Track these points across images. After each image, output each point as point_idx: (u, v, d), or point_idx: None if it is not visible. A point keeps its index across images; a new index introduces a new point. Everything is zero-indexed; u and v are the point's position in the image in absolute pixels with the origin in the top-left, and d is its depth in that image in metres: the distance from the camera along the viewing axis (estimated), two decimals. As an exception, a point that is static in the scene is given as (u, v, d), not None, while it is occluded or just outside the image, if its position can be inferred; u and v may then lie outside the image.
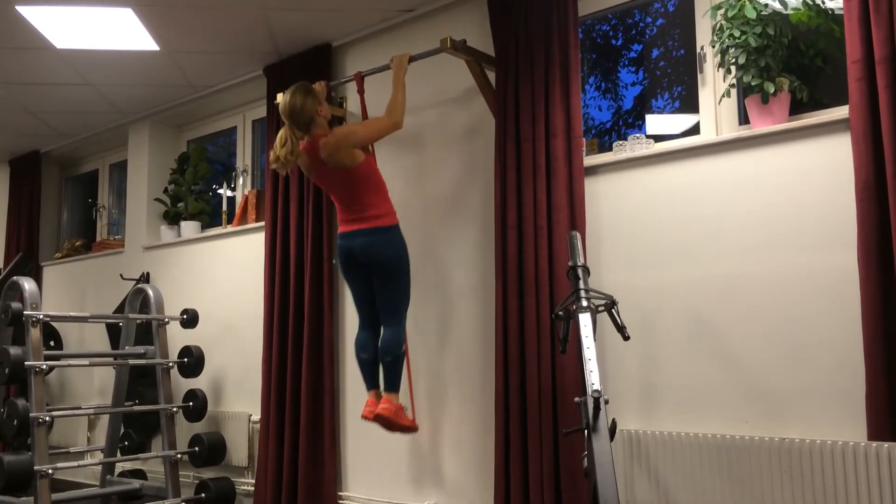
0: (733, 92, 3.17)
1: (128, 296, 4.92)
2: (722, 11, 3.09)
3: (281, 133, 3.46)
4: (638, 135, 3.44)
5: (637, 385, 3.29)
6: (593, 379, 2.53)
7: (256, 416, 4.71)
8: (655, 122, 3.78)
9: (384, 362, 3.48)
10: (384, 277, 3.48)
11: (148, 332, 4.83)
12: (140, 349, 4.77)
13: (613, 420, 2.59)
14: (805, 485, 2.74)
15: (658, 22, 3.86)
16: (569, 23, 3.46)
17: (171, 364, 4.64)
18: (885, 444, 2.59)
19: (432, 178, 4.05)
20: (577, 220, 3.35)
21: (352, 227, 3.49)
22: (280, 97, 4.17)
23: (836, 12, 2.99)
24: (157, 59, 4.75)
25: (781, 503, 2.78)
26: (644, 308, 3.29)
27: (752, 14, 2.97)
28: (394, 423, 3.47)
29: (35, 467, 3.88)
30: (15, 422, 4.08)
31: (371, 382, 3.60)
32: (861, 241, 2.69)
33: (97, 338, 5.93)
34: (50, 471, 3.93)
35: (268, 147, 4.70)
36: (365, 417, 3.52)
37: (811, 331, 2.88)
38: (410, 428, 3.55)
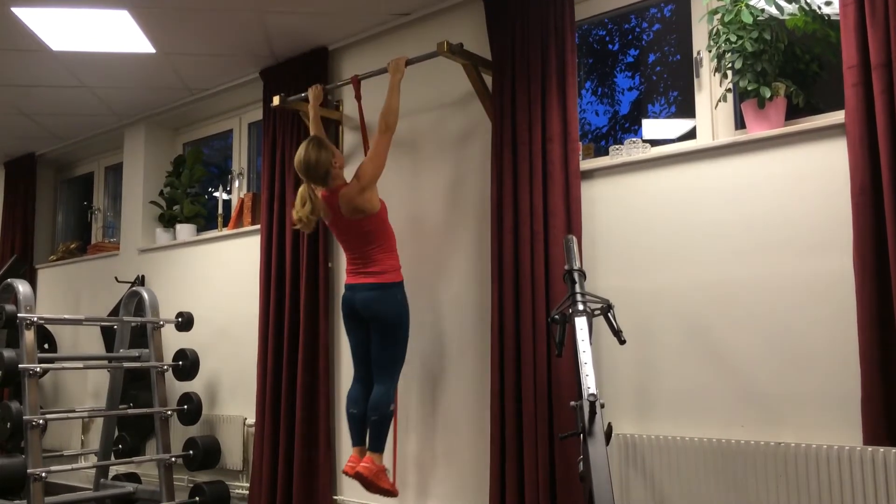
0: (730, 97, 3.17)
1: (123, 298, 4.90)
2: (718, 16, 3.09)
3: (300, 191, 3.48)
4: (634, 139, 3.44)
5: (633, 389, 3.29)
6: (589, 383, 2.52)
7: (251, 420, 4.70)
8: (652, 127, 3.79)
9: (371, 420, 3.47)
10: (382, 334, 3.50)
11: (143, 335, 4.82)
12: (135, 352, 4.75)
13: (609, 424, 2.59)
14: (800, 489, 2.74)
15: (655, 27, 3.87)
16: (566, 27, 3.46)
17: (165, 367, 4.63)
18: (881, 449, 2.59)
19: (429, 181, 4.05)
20: (573, 224, 3.35)
21: (357, 279, 3.54)
22: (276, 99, 4.21)
23: (833, 18, 3.00)
24: (152, 61, 4.74)
25: (777, 508, 2.79)
26: (640, 312, 3.29)
27: (748, 19, 2.97)
28: (373, 484, 3.44)
29: (28, 470, 3.87)
30: (8, 424, 4.06)
31: (357, 438, 3.57)
32: (857, 245, 2.70)
33: (92, 341, 5.91)
34: (43, 474, 3.91)
35: (264, 150, 4.70)
36: (346, 473, 3.50)
37: (807, 335, 2.88)
38: (390, 492, 3.51)
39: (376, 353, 3.53)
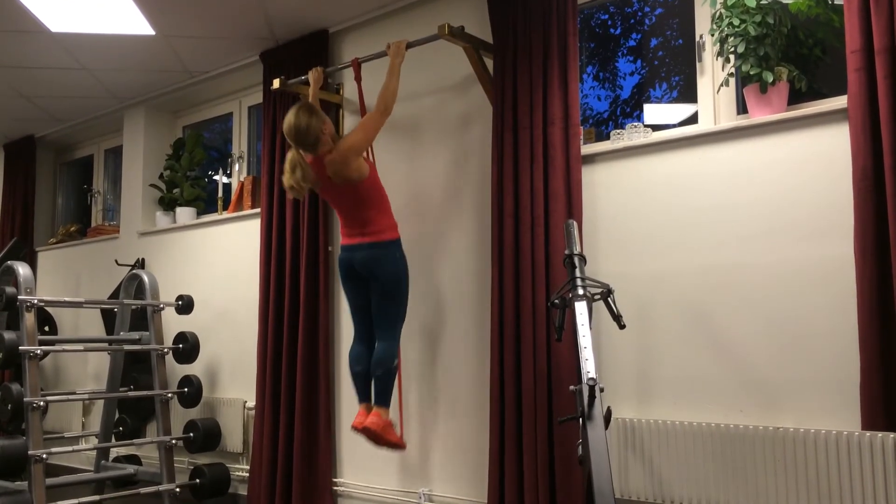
0: (732, 81, 3.16)
1: (123, 281, 4.90)
2: (721, 0, 3.07)
3: (289, 157, 3.45)
4: (636, 124, 3.43)
5: (632, 373, 3.29)
6: (588, 367, 2.52)
7: (251, 403, 4.71)
8: (653, 112, 3.77)
9: (375, 376, 3.50)
10: (382, 292, 3.50)
11: (143, 318, 4.82)
12: (135, 335, 4.76)
13: (608, 408, 2.60)
14: (799, 474, 2.75)
15: (657, 11, 3.85)
16: (567, 10, 3.44)
17: (166, 350, 4.63)
18: (879, 434, 2.60)
19: (429, 165, 4.04)
20: (573, 208, 3.35)
21: (354, 240, 3.53)
22: (277, 82, 4.18)
23: (836, 2, 2.98)
24: (152, 43, 4.72)
25: (775, 492, 2.80)
26: (640, 297, 3.29)
27: (751, 3, 2.96)
28: (381, 437, 3.46)
29: (29, 452, 3.88)
30: (9, 406, 4.07)
31: (363, 395, 3.61)
32: (858, 231, 2.69)
33: (92, 323, 5.92)
34: (44, 455, 3.92)
35: (264, 133, 4.69)
36: (354, 428, 3.52)
37: (807, 321, 2.89)
38: (398, 445, 3.54)
39: (377, 312, 3.54)
